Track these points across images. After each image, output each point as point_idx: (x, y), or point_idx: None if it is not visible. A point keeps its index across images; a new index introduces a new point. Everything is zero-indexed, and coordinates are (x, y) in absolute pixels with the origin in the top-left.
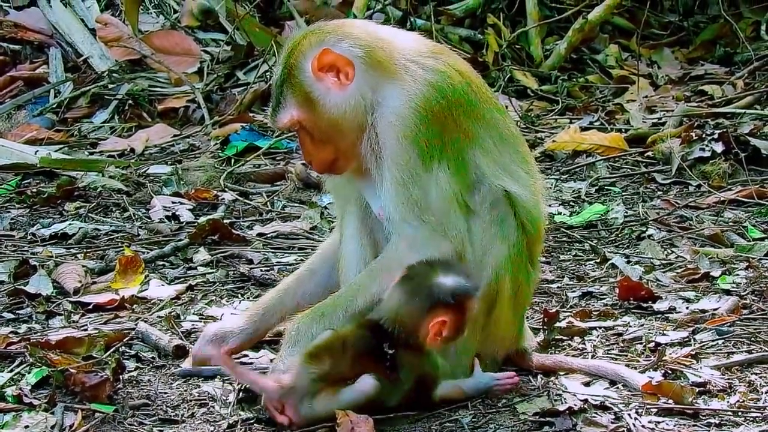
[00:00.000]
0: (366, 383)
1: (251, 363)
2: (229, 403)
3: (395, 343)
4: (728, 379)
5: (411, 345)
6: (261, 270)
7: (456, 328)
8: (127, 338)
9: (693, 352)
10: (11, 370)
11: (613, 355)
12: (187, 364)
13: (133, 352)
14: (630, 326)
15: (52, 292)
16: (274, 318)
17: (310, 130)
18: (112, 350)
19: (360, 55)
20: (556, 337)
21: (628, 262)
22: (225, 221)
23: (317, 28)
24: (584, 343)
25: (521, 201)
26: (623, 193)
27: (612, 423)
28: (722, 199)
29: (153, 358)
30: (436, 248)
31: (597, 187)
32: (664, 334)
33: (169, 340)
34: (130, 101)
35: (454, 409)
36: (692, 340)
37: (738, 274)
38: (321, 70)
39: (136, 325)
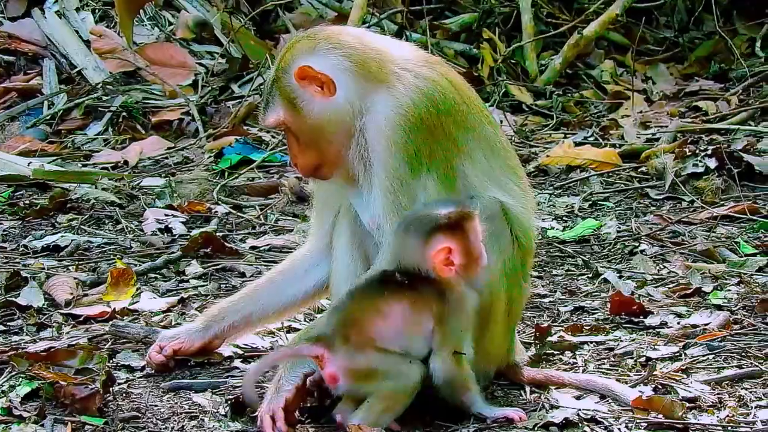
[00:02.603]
0: None
1: (241, 375)
2: (220, 415)
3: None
4: (718, 393)
5: (432, 283)
6: None
7: (465, 253)
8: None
9: (684, 367)
10: (1, 382)
11: (604, 370)
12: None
13: (125, 363)
14: (621, 341)
15: (44, 304)
16: (224, 324)
17: (296, 132)
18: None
19: (348, 65)
20: (548, 351)
21: (620, 277)
22: (218, 234)
23: (312, 33)
24: (575, 358)
25: (514, 214)
26: (616, 208)
27: None
28: (715, 214)
29: (143, 366)
30: None
31: (590, 202)
32: (655, 349)
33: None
34: (124, 113)
35: (454, 422)
36: (683, 355)
37: (729, 290)
38: (304, 80)
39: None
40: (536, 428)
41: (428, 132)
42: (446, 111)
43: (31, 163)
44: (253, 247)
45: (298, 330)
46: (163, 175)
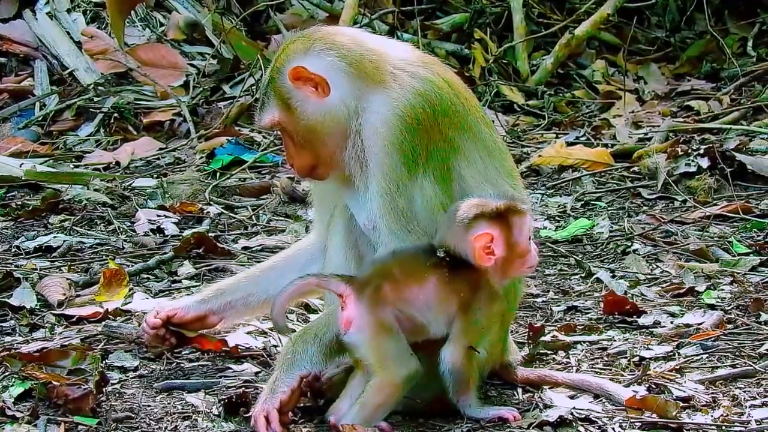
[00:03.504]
0: None
1: (235, 376)
2: (213, 416)
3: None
4: (712, 393)
5: (469, 271)
6: None
7: (507, 245)
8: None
9: (677, 367)
10: None
11: (597, 370)
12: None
13: (118, 364)
14: (614, 340)
15: (36, 305)
16: (222, 300)
17: (291, 133)
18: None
19: (343, 66)
20: (541, 351)
21: (613, 276)
22: (210, 235)
23: (307, 34)
24: (569, 357)
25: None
26: (609, 208)
27: None
28: (708, 214)
29: (136, 367)
30: None
31: (582, 202)
32: (648, 349)
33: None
34: (115, 114)
35: (449, 421)
36: (677, 354)
37: (723, 289)
38: (298, 81)
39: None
40: (530, 428)
41: (424, 132)
42: (443, 111)
43: (23, 164)
44: (245, 248)
45: (292, 331)
46: (154, 175)
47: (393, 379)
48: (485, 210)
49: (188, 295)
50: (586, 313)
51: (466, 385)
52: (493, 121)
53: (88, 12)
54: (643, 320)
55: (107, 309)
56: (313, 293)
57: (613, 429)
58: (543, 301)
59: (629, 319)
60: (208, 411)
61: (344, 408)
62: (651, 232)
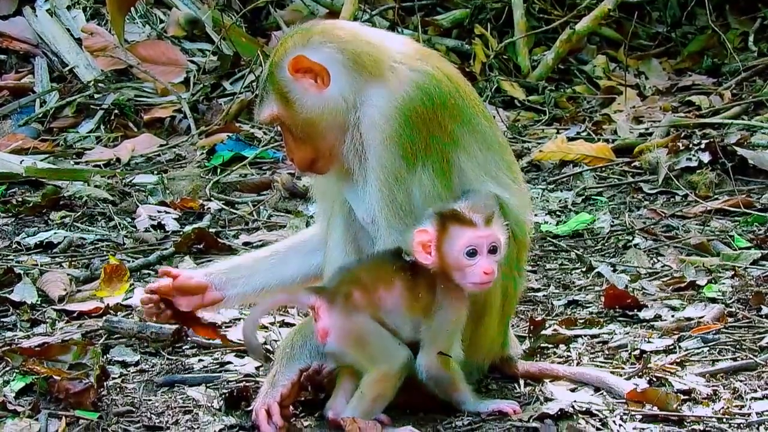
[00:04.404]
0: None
1: (235, 370)
2: (214, 409)
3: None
4: (713, 386)
5: (428, 275)
6: None
7: (439, 251)
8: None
9: (678, 360)
10: None
11: (598, 363)
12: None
13: (118, 358)
14: (615, 334)
15: (37, 300)
16: (225, 276)
17: (290, 127)
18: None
19: (341, 59)
20: (542, 344)
21: (614, 270)
22: (210, 230)
23: (306, 28)
24: (570, 351)
25: (510, 208)
26: (610, 203)
27: (597, 430)
28: (709, 208)
29: (137, 361)
30: None
31: (583, 197)
32: (649, 342)
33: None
34: (116, 111)
35: (449, 414)
36: (677, 347)
37: (724, 283)
38: (297, 73)
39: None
40: (531, 420)
41: (423, 125)
42: (442, 104)
43: (23, 161)
44: (245, 243)
45: (292, 324)
46: (155, 172)
47: (387, 371)
48: (436, 209)
49: None
50: (587, 307)
51: (452, 386)
52: (494, 117)
53: (88, 9)
54: (644, 314)
55: (108, 304)
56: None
57: (614, 422)
58: (544, 295)
59: (630, 313)
60: (209, 405)
61: (341, 403)
62: (652, 226)
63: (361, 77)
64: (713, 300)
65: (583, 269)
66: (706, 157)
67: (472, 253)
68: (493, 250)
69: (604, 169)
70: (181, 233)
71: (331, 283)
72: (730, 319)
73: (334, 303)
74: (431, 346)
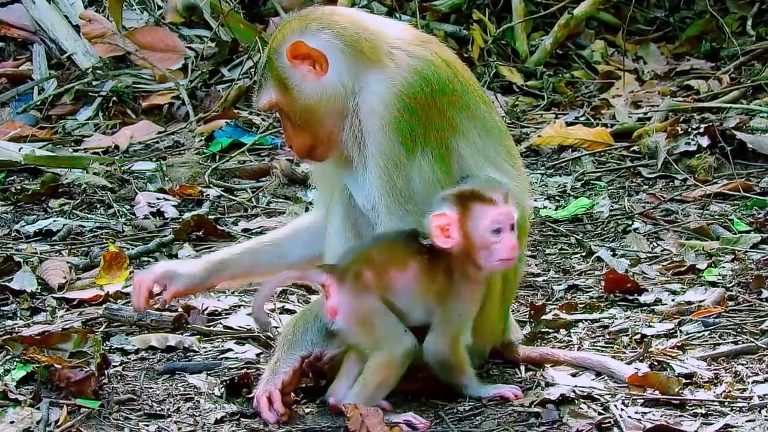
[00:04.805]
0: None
1: (236, 357)
2: (216, 397)
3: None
4: (714, 369)
5: (445, 258)
6: None
7: (463, 231)
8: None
9: (679, 344)
10: None
11: (599, 347)
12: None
13: (119, 346)
14: (616, 318)
15: (37, 289)
16: (222, 274)
17: (288, 114)
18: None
19: (339, 45)
20: (542, 329)
21: (614, 255)
22: (210, 217)
23: (304, 14)
24: (570, 336)
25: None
26: (609, 188)
27: (599, 414)
28: (708, 192)
29: (138, 349)
30: None
31: (582, 182)
32: (650, 326)
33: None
34: (114, 98)
35: (450, 399)
36: (678, 331)
37: (724, 267)
38: (296, 59)
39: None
40: (532, 405)
41: (422, 111)
42: (440, 90)
43: (22, 148)
44: (245, 230)
45: (292, 311)
46: (154, 159)
47: (390, 358)
48: (451, 192)
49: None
50: (587, 292)
51: (457, 371)
52: (492, 102)
53: None
54: (644, 298)
55: (108, 292)
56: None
57: (615, 406)
58: (544, 280)
59: (630, 297)
60: (210, 392)
61: (342, 389)
62: (651, 210)
63: (360, 63)
64: (713, 284)
65: (583, 254)
66: (705, 142)
67: (497, 231)
68: (512, 227)
69: (602, 153)
70: (181, 220)
71: (342, 261)
72: (730, 303)
73: (344, 281)
74: (443, 330)
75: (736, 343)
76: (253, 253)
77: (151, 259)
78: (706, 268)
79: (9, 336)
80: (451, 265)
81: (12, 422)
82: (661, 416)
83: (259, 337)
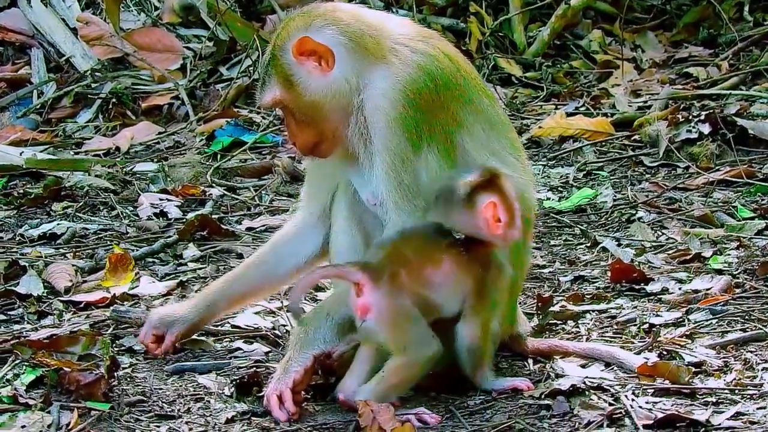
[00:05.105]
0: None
1: (245, 356)
2: (226, 396)
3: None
4: (724, 357)
5: (481, 244)
6: None
7: (507, 207)
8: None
9: (687, 332)
10: (5, 371)
11: (607, 338)
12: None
13: (126, 345)
14: (623, 308)
15: (43, 292)
16: (218, 306)
17: (292, 111)
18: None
19: (344, 41)
20: (551, 321)
21: (619, 245)
22: (213, 216)
23: (307, 10)
24: (578, 327)
25: (515, 186)
26: (611, 177)
27: (609, 405)
28: (711, 179)
29: (146, 350)
30: None
31: (585, 172)
32: (657, 315)
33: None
34: (113, 100)
35: (461, 394)
36: (686, 320)
37: (729, 254)
38: (302, 55)
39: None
40: (543, 397)
41: (427, 107)
42: (444, 85)
43: (23, 152)
44: (249, 228)
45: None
46: (155, 159)
47: (415, 361)
48: (479, 181)
49: (193, 278)
50: (594, 282)
51: (481, 361)
52: (494, 95)
53: None
54: (650, 287)
55: (114, 294)
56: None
57: (626, 396)
58: (550, 272)
59: (637, 287)
60: (220, 392)
61: (352, 385)
62: (655, 199)
63: (364, 60)
64: (719, 271)
65: (588, 244)
66: (706, 129)
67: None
68: None
69: (604, 143)
70: (184, 220)
71: (375, 258)
72: (737, 290)
73: (380, 281)
74: (476, 318)
75: (744, 330)
76: (241, 280)
77: (156, 260)
78: (711, 256)
79: (17, 340)
80: (485, 253)
81: (23, 426)
82: (672, 405)
83: (268, 335)
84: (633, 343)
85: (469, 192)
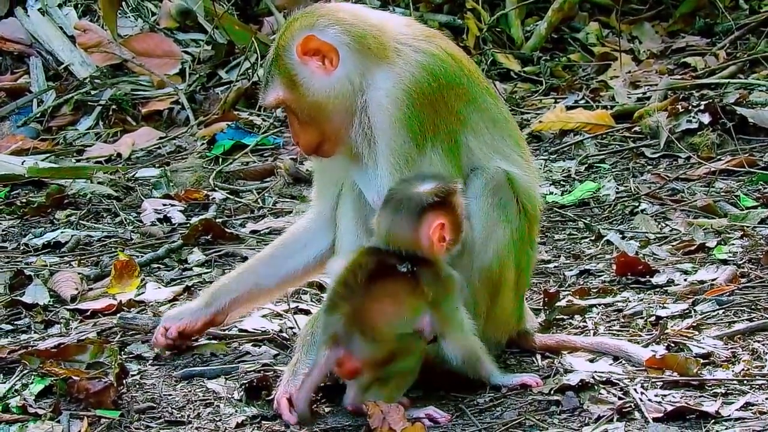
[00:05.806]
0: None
1: (253, 360)
2: (235, 401)
3: (410, 262)
4: (731, 348)
5: (424, 261)
6: None
7: (454, 227)
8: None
9: (694, 324)
10: (14, 381)
11: (614, 331)
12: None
13: (135, 353)
14: (630, 301)
15: (49, 301)
16: (227, 299)
17: (296, 111)
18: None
19: (347, 41)
20: (557, 316)
21: (623, 237)
22: (217, 220)
23: (311, 10)
24: (585, 321)
25: (520, 183)
26: (613, 170)
27: (619, 399)
28: (713, 169)
29: (156, 356)
30: None
31: (586, 165)
32: (664, 308)
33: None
34: (113, 106)
35: (470, 392)
36: (693, 311)
37: (733, 244)
38: (306, 55)
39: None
40: (552, 392)
41: (431, 106)
42: (448, 84)
43: (24, 161)
44: (253, 231)
45: (307, 311)
46: (157, 165)
47: (406, 367)
48: (431, 200)
49: (199, 283)
50: (599, 276)
51: (480, 363)
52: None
53: (79, 6)
54: (656, 279)
55: (121, 301)
56: None
57: (635, 390)
58: (555, 267)
59: (642, 279)
60: (230, 396)
61: (357, 394)
62: (657, 191)
63: (367, 59)
64: (724, 261)
65: (592, 238)
66: (706, 119)
67: None
68: None
69: (604, 136)
70: (188, 225)
71: (336, 326)
72: (743, 280)
73: (352, 344)
74: (450, 331)
75: (751, 320)
76: (250, 272)
77: (161, 266)
78: (716, 246)
79: (25, 350)
80: (432, 270)
81: None
82: (681, 398)
83: (275, 338)
84: (640, 336)
85: (422, 208)
